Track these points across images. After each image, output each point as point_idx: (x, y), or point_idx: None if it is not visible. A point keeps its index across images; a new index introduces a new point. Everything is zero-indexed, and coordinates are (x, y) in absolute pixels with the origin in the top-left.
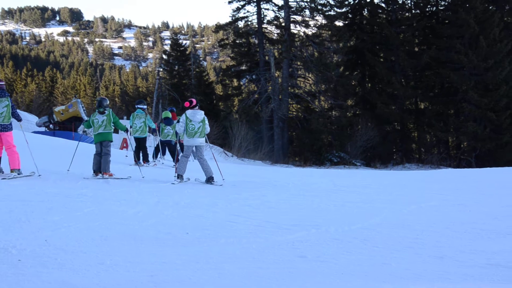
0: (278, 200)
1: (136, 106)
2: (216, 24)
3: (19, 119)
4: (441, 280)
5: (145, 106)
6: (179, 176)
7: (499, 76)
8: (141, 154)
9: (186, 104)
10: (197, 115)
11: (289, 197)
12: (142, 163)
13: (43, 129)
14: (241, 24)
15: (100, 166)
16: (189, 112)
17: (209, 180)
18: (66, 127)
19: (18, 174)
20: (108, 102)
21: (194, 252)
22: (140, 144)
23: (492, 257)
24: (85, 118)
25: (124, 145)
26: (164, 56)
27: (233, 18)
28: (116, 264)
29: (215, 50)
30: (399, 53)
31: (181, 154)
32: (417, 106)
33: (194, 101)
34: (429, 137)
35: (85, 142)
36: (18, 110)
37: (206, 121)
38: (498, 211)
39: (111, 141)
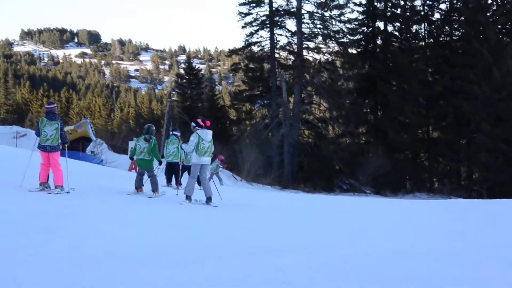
0: (273, 223)
1: (171, 133)
2: (229, 49)
3: (65, 141)
4: None
5: (179, 133)
6: (188, 197)
7: None
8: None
9: (207, 123)
10: (208, 135)
11: (286, 220)
12: (176, 186)
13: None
14: (254, 49)
15: (141, 183)
16: (200, 131)
17: (208, 200)
18: (74, 147)
19: (62, 190)
20: (154, 128)
21: (178, 273)
22: (173, 168)
23: None
24: (93, 138)
25: (133, 166)
26: (178, 79)
27: (246, 43)
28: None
29: (231, 74)
30: (412, 81)
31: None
32: (429, 135)
33: (208, 122)
34: (440, 166)
35: (93, 163)
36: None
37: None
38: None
39: (152, 169)
